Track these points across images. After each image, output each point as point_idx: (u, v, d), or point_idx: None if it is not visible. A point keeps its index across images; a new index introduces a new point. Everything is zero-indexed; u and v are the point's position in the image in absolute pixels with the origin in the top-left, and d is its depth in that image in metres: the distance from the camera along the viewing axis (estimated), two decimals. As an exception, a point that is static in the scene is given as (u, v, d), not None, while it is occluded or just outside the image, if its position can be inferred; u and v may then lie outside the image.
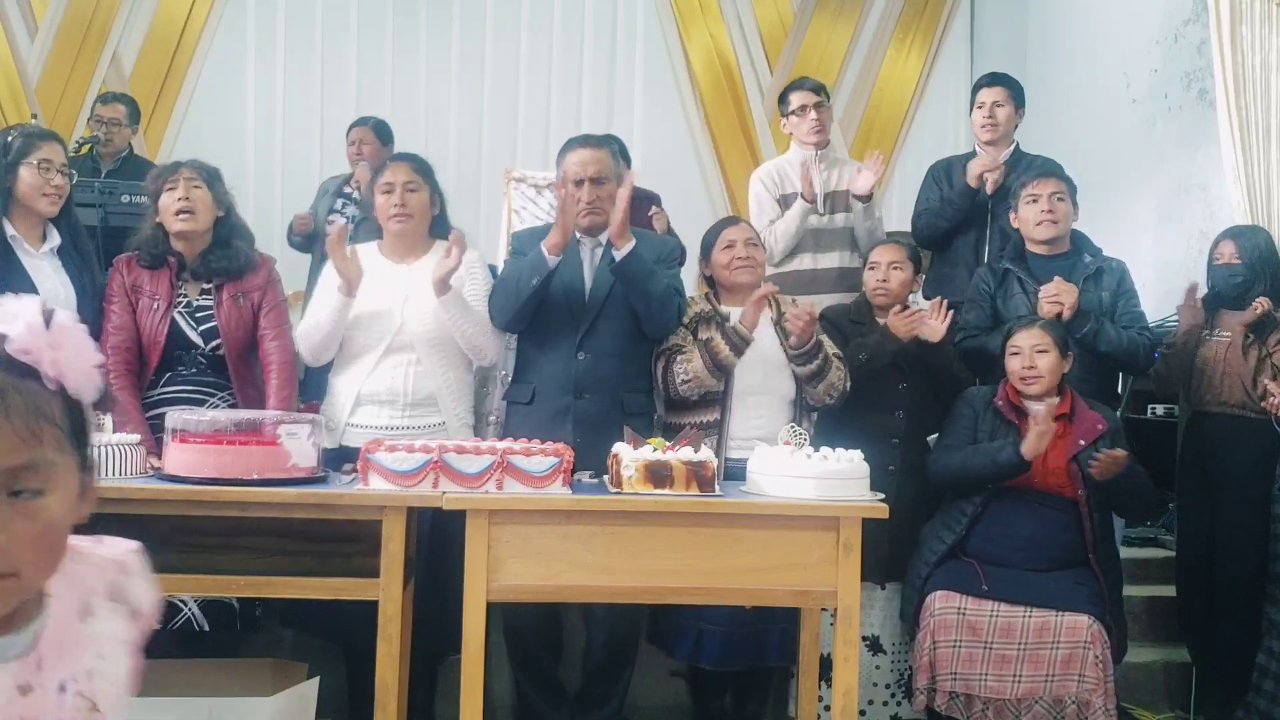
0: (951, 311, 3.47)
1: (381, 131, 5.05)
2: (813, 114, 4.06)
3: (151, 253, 3.13)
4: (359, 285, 3.09)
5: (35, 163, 3.01)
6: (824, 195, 4.00)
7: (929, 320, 3.42)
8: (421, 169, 3.23)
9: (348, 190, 4.93)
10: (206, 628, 3.03)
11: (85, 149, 4.91)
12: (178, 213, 3.09)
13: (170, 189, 3.11)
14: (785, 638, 3.13)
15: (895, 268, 3.55)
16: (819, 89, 4.13)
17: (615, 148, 3.40)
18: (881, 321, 3.48)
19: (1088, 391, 3.44)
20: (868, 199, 3.93)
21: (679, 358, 3.19)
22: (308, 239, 4.86)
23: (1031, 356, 3.26)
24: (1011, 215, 3.72)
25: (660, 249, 3.28)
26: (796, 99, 4.10)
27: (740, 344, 3.15)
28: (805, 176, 3.91)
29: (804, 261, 4.06)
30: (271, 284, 3.23)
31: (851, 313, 3.60)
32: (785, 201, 4.06)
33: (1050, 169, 3.77)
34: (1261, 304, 3.47)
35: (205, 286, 3.16)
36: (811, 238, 4.05)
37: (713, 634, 3.15)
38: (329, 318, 3.11)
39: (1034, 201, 3.62)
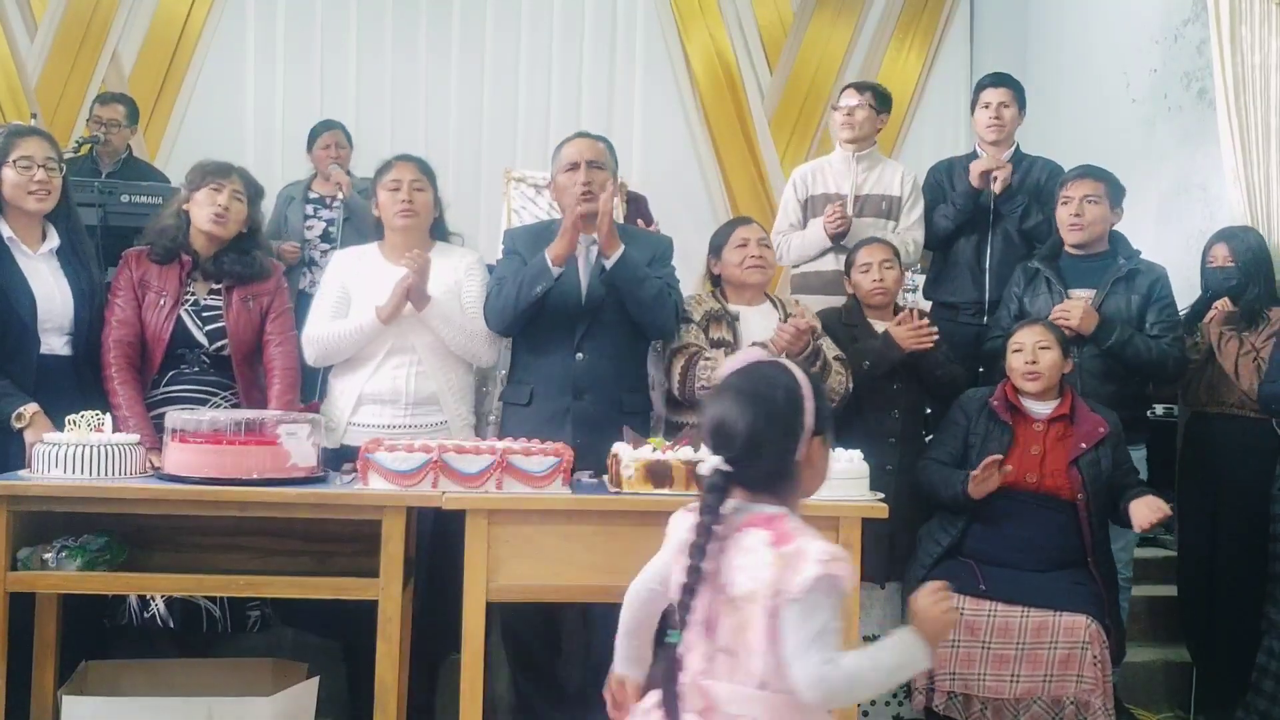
0: (928, 324, 3.43)
1: (348, 135, 5.17)
2: (845, 112, 4.00)
3: (167, 245, 3.11)
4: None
5: (14, 161, 2.97)
6: (853, 199, 3.95)
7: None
8: (426, 171, 3.26)
9: (312, 195, 4.97)
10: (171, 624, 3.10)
11: (85, 149, 4.91)
12: (213, 216, 3.08)
13: (215, 189, 3.10)
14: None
15: (887, 266, 3.53)
16: (864, 89, 4.06)
17: (609, 146, 3.41)
18: (874, 323, 3.47)
19: (1118, 395, 3.44)
20: (840, 240, 3.85)
21: (703, 361, 3.15)
22: None
23: (1034, 352, 3.26)
24: (1056, 213, 3.67)
25: (654, 247, 3.28)
26: (842, 95, 4.08)
27: None
28: (833, 214, 3.82)
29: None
30: (281, 289, 3.24)
31: (843, 315, 3.56)
32: (811, 204, 4.00)
33: (1088, 170, 3.65)
34: (1219, 306, 3.58)
35: (214, 287, 3.15)
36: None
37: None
38: (353, 337, 3.11)
39: (1065, 204, 3.60)
